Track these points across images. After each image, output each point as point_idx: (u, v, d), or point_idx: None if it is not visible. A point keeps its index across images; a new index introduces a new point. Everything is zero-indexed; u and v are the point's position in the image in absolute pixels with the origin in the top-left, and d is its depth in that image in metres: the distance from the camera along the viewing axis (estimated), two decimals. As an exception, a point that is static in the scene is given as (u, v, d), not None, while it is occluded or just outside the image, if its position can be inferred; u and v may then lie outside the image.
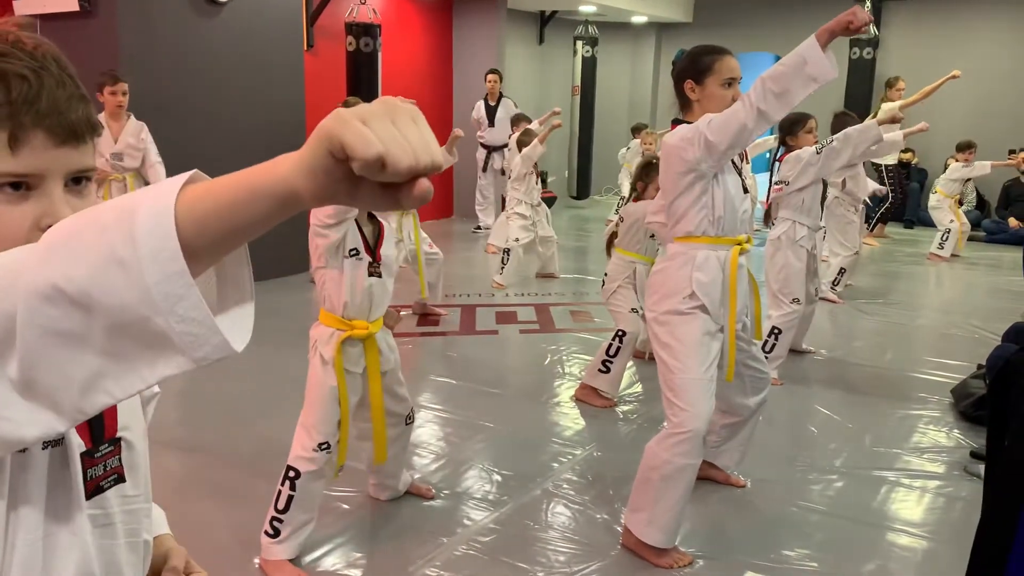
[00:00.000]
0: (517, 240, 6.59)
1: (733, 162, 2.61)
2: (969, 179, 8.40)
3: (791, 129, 4.30)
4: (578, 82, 11.22)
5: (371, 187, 0.60)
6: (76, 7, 5.41)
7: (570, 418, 4.01)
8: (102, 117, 4.94)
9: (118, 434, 0.91)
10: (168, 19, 5.67)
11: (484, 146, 9.21)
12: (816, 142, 4.35)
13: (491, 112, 9.14)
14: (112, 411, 0.91)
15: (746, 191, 2.61)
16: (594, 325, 5.59)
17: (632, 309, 4.15)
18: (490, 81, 9.16)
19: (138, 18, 5.51)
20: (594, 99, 11.34)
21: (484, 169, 9.28)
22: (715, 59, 2.55)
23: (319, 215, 2.46)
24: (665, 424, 2.68)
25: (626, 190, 9.48)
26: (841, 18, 2.29)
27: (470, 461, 3.47)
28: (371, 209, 0.57)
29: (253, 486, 3.10)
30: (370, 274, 2.62)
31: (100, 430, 0.89)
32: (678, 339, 2.58)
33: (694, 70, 2.57)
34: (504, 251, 6.64)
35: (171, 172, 5.62)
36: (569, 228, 9.72)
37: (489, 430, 3.80)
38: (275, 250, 6.47)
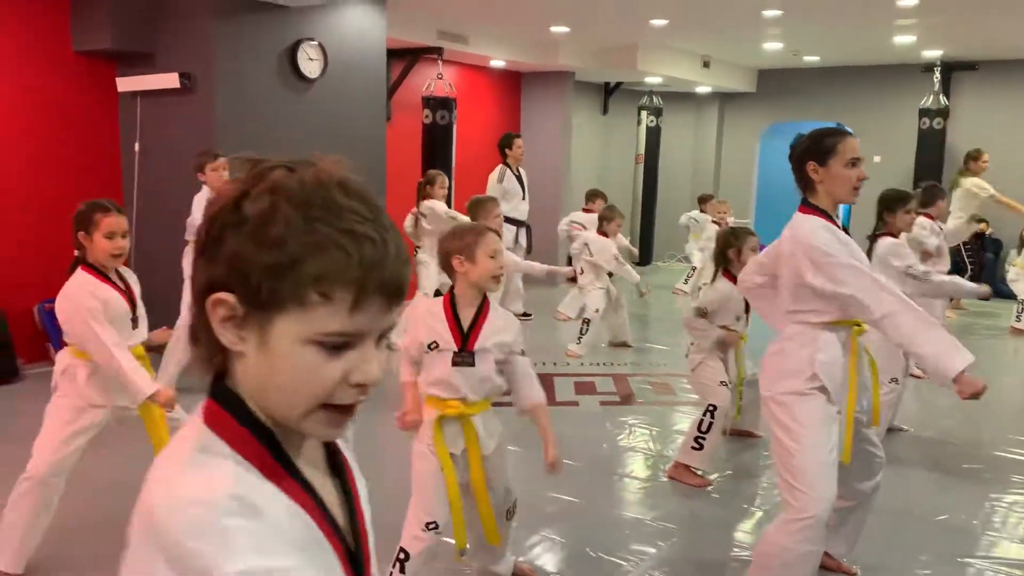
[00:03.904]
0: (597, 311, 6.59)
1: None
2: None
3: (891, 206, 4.17)
4: (642, 150, 11.35)
5: None
6: (177, 85, 5.67)
7: (664, 498, 3.95)
8: (204, 192, 5.11)
9: None
10: (262, 95, 5.91)
11: (515, 221, 7.46)
12: (912, 224, 4.29)
13: (521, 182, 7.76)
14: None
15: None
16: (676, 398, 5.53)
17: (721, 382, 4.10)
18: (518, 146, 7.67)
19: (234, 95, 5.75)
20: (657, 167, 11.44)
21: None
22: (838, 140, 2.57)
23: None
24: (783, 510, 2.61)
25: (696, 260, 9.45)
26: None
27: (569, 541, 3.43)
28: None
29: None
30: (454, 364, 2.57)
31: None
32: (798, 421, 2.54)
33: (817, 152, 2.58)
34: (584, 321, 6.64)
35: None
36: (632, 295, 9.68)
37: (582, 508, 3.75)
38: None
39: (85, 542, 3.21)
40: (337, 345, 0.79)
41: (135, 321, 3.05)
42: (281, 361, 0.79)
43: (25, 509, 2.91)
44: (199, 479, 0.76)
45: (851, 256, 2.53)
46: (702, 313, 4.08)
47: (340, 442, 0.96)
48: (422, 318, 2.63)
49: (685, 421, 4.99)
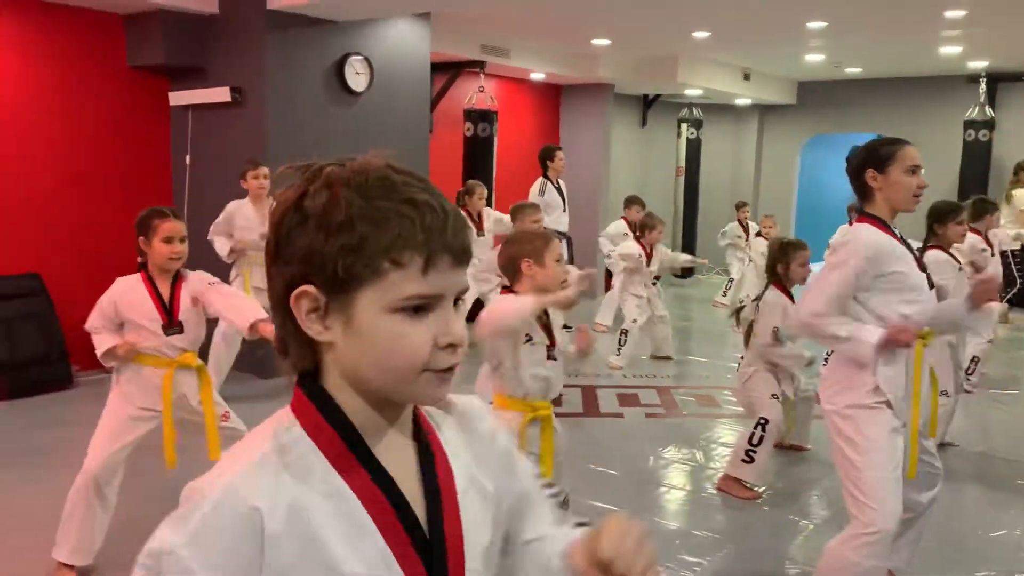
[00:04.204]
0: (635, 321, 6.57)
1: (916, 257, 2.58)
2: None
3: (941, 218, 4.09)
4: (682, 163, 11.31)
5: None
6: (228, 99, 5.78)
7: (713, 509, 3.92)
8: (247, 200, 5.21)
9: None
10: (310, 109, 6.00)
11: (555, 233, 7.07)
12: (964, 236, 4.23)
13: (562, 194, 7.64)
14: None
15: (931, 286, 2.57)
16: (720, 411, 5.50)
17: (772, 395, 4.07)
18: (559, 159, 7.57)
19: (283, 108, 5.84)
20: (698, 179, 11.39)
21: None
22: (897, 148, 2.56)
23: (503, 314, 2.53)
24: (849, 524, 2.59)
25: (734, 271, 9.41)
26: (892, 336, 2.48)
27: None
28: None
29: None
30: (550, 357, 2.67)
31: None
32: (864, 435, 2.52)
33: (875, 160, 2.57)
34: (622, 332, 6.62)
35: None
36: (673, 308, 9.63)
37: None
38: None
39: (131, 542, 3.26)
40: (417, 307, 0.84)
41: (174, 327, 3.05)
42: (370, 335, 0.84)
43: (79, 504, 3.01)
44: (228, 462, 0.86)
45: (878, 270, 2.50)
46: (778, 338, 4.02)
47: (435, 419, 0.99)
48: None
49: (729, 434, 4.96)
